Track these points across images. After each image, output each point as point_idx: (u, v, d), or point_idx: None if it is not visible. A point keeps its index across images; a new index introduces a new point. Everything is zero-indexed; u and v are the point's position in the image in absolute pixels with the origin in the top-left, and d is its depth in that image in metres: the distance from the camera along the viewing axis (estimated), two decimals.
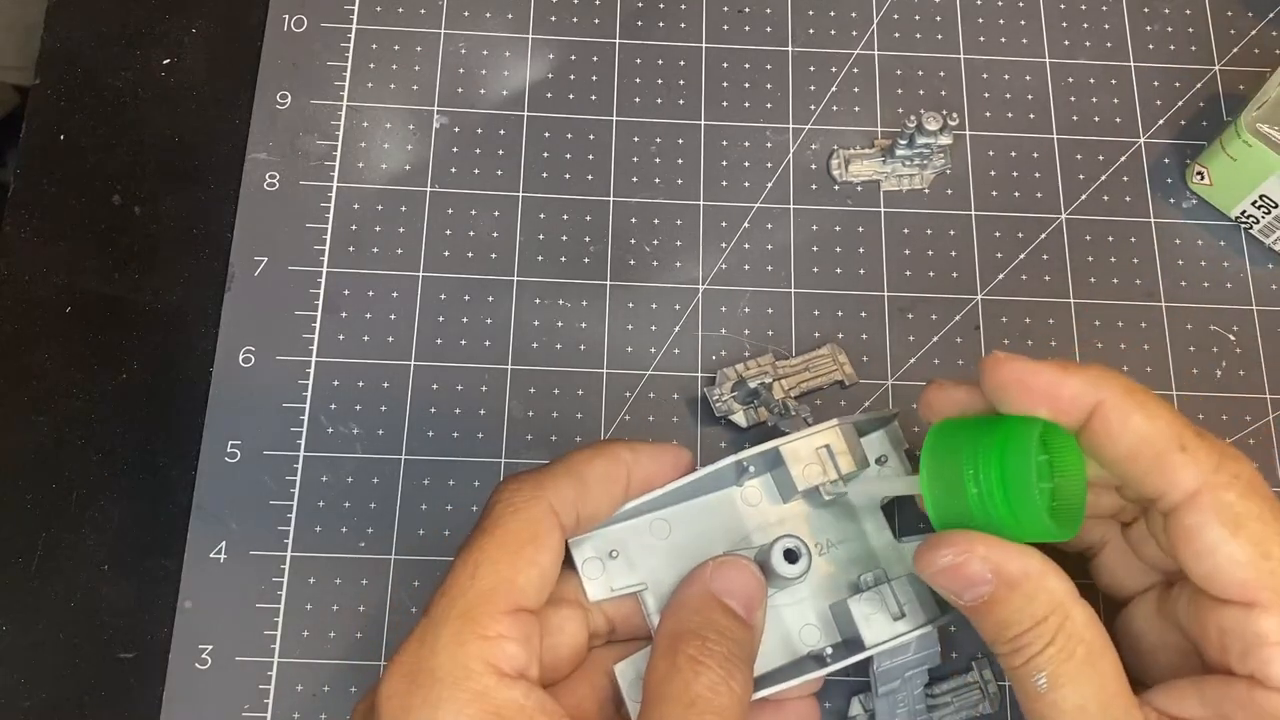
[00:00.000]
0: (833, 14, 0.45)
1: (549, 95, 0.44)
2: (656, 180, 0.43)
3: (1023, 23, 0.45)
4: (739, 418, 0.39)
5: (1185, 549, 0.28)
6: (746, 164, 0.43)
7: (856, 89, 0.44)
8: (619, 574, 0.32)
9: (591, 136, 0.43)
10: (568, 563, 0.32)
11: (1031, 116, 0.44)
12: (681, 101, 0.44)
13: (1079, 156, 0.43)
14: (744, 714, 0.29)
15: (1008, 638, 0.28)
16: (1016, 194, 0.43)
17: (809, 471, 0.33)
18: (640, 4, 0.45)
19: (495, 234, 0.42)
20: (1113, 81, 0.44)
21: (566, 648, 0.31)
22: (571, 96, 0.44)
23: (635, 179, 0.43)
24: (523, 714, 0.27)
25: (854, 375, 0.40)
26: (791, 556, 0.31)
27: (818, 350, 0.40)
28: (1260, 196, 0.40)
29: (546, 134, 0.43)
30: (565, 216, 0.42)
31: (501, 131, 0.43)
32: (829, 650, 0.32)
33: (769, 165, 0.43)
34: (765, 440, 0.33)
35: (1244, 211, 0.41)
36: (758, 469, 0.34)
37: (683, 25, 0.45)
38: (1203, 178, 0.42)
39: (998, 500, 0.28)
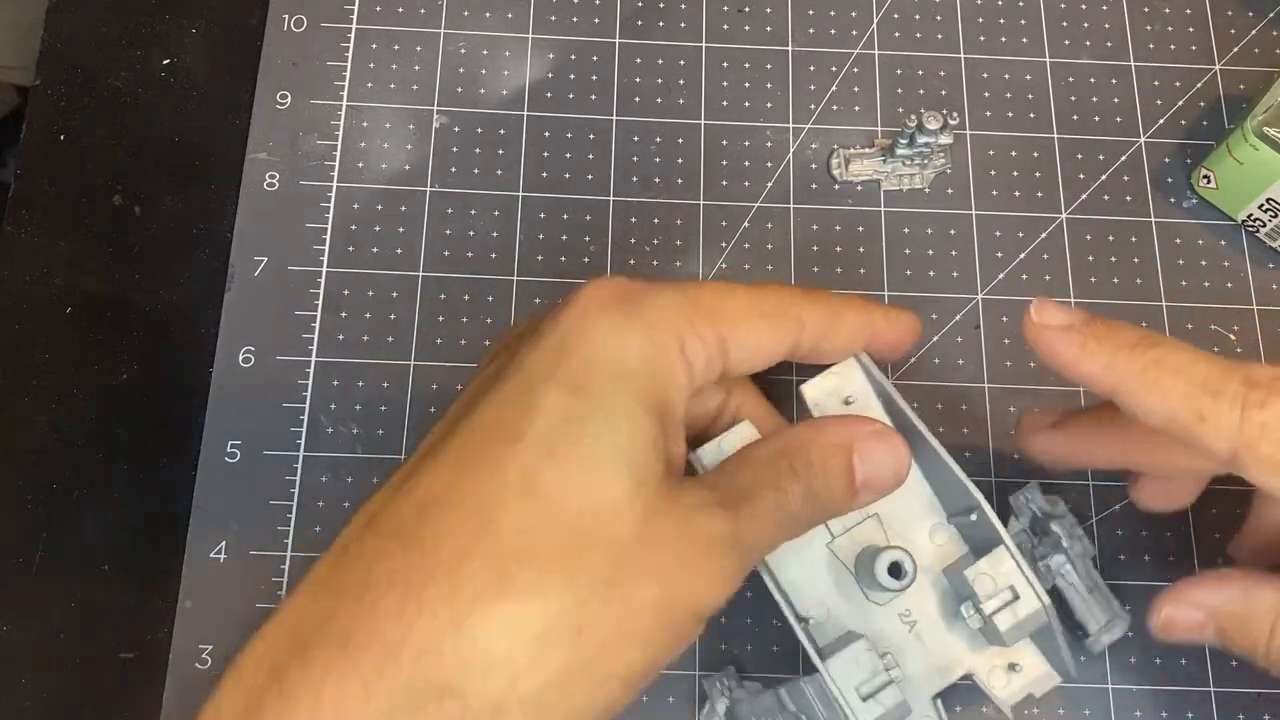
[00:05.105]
0: (833, 14, 0.45)
1: (549, 95, 0.44)
2: (656, 180, 0.43)
3: (1023, 22, 0.45)
4: None
5: (1258, 495, 0.28)
6: (746, 164, 0.43)
7: (856, 89, 0.44)
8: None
9: (591, 136, 0.43)
10: None
11: (1032, 116, 0.44)
12: (681, 101, 0.44)
13: (1079, 156, 0.43)
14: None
15: None
16: (1016, 194, 0.43)
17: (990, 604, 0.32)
18: (640, 4, 0.45)
19: (495, 234, 0.42)
20: (1113, 81, 0.44)
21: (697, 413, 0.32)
22: (571, 96, 0.44)
23: (635, 179, 0.43)
24: (677, 408, 0.28)
25: None
26: (897, 571, 0.31)
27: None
28: (1267, 200, 0.40)
29: (546, 134, 0.43)
30: (565, 216, 0.42)
31: (501, 131, 0.43)
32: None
33: (769, 165, 0.43)
34: None
35: (1250, 215, 0.41)
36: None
37: (683, 25, 0.45)
38: (1209, 181, 0.42)
39: None
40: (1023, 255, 0.42)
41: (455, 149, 0.43)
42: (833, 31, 0.45)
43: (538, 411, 0.27)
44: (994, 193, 0.43)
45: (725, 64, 0.44)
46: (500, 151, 0.43)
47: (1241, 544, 0.35)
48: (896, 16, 0.45)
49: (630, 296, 0.29)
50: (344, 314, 0.40)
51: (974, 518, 0.32)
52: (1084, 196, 0.43)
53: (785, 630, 0.37)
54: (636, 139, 0.43)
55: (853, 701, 0.30)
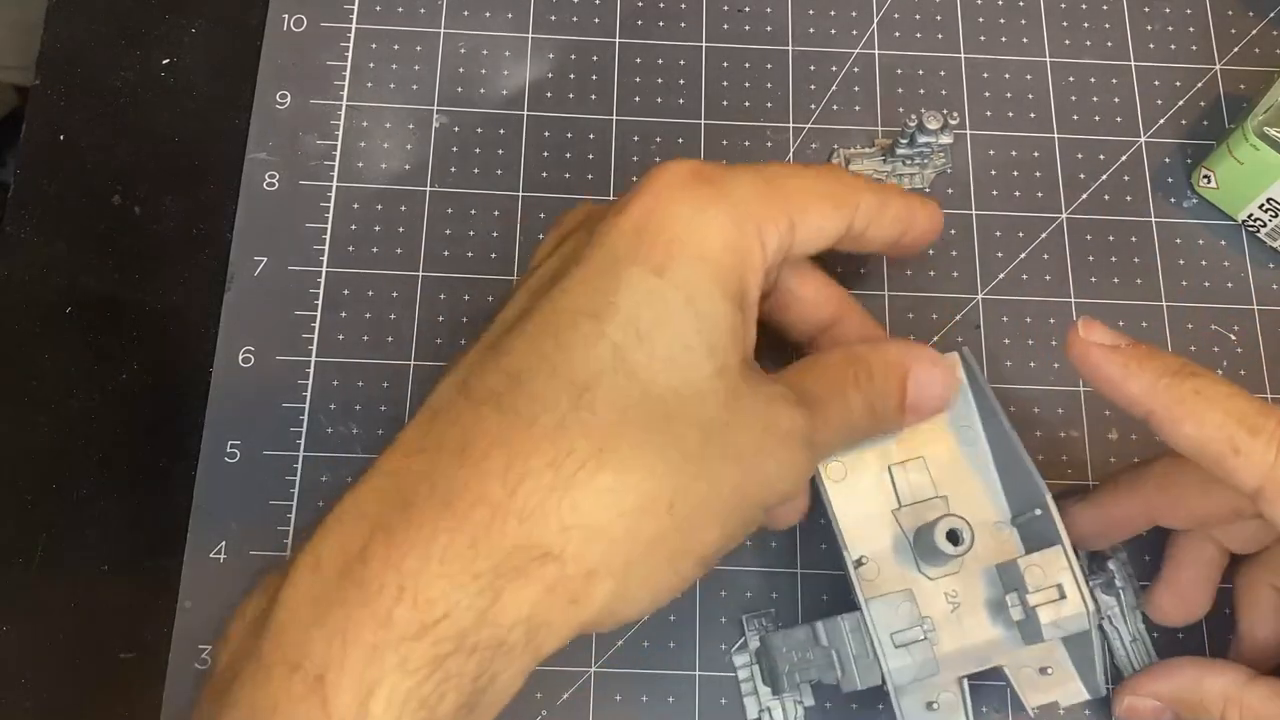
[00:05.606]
0: (833, 14, 0.45)
1: (549, 95, 0.44)
2: None
3: (1023, 22, 0.45)
4: None
5: (1242, 600, 0.29)
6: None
7: (856, 89, 0.44)
8: None
9: (591, 136, 0.43)
10: None
11: (1032, 116, 0.44)
12: (681, 101, 0.44)
13: (1079, 156, 0.43)
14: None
15: None
16: (1017, 193, 0.43)
17: (1039, 596, 0.32)
18: (640, 4, 0.45)
19: (495, 234, 0.42)
20: (1113, 81, 0.44)
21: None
22: (571, 96, 0.44)
23: (635, 179, 0.42)
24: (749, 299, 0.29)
25: None
26: (954, 537, 0.31)
27: None
28: (1268, 200, 0.40)
29: (546, 134, 0.43)
30: None
31: (501, 131, 0.43)
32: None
33: None
34: None
35: (1251, 215, 0.41)
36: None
37: (683, 25, 0.45)
38: (1209, 181, 0.42)
39: None
40: (1023, 255, 0.42)
41: (455, 149, 0.43)
42: (833, 31, 0.45)
43: (623, 291, 0.28)
44: (994, 193, 0.43)
45: (725, 64, 0.44)
46: (500, 151, 0.43)
47: (1238, 650, 0.36)
48: (896, 16, 0.45)
49: (710, 178, 0.30)
50: (344, 314, 0.40)
51: (1038, 512, 0.33)
52: (1084, 196, 0.43)
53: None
54: (636, 139, 0.43)
55: (886, 646, 0.31)
